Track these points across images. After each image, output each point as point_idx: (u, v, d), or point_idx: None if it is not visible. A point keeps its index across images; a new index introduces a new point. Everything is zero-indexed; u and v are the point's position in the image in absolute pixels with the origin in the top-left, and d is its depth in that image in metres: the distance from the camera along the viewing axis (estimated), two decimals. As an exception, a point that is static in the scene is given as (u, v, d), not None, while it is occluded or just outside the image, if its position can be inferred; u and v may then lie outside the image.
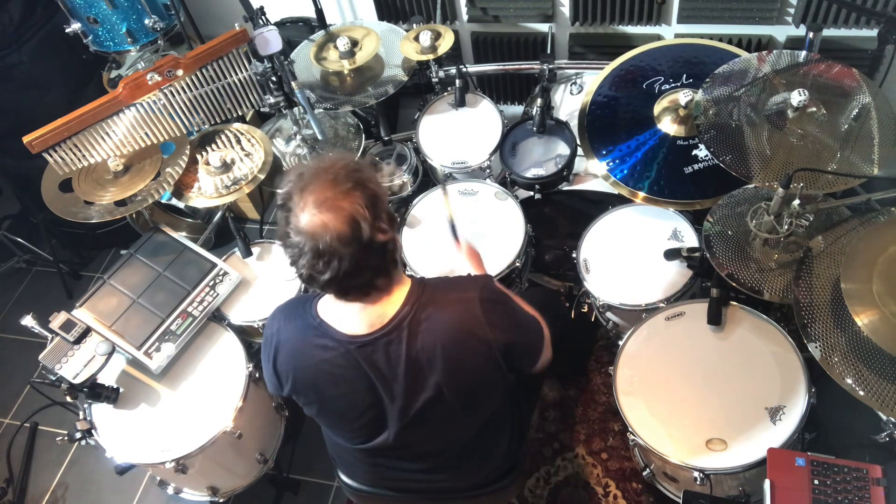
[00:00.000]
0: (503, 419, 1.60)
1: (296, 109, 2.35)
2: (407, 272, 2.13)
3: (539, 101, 2.27)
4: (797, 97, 1.76)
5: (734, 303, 1.85)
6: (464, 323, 1.33)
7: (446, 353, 1.32)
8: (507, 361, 1.39)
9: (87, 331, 1.93)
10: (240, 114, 2.26)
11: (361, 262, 1.23)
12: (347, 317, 1.33)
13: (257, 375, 2.08)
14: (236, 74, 2.18)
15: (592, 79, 2.31)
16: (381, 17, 2.72)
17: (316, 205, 1.19)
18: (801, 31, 2.33)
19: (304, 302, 1.41)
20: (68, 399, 1.91)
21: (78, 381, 1.86)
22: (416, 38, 2.40)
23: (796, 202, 1.67)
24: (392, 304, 1.33)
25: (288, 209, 1.22)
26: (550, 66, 2.33)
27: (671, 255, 1.98)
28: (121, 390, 1.98)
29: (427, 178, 2.57)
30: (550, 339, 1.54)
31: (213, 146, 2.32)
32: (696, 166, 2.04)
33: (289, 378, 1.41)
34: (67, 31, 2.41)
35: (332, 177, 1.21)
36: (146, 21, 2.41)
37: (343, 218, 1.18)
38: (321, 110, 2.43)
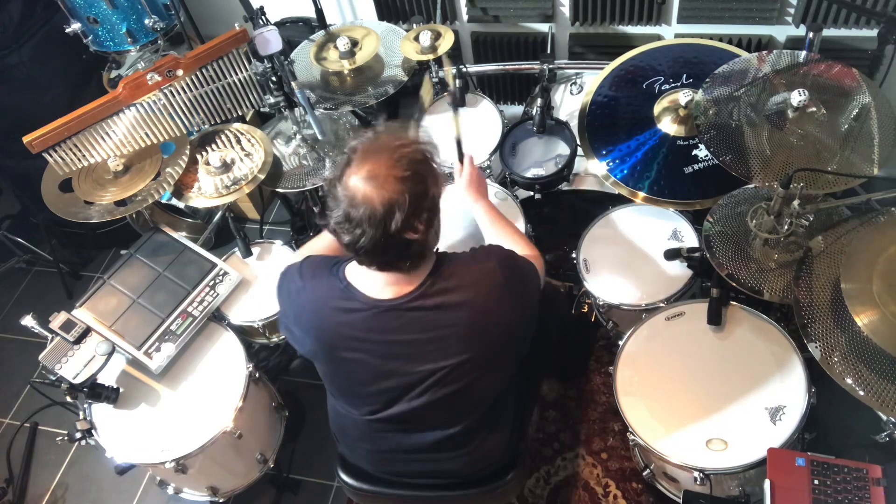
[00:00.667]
0: (506, 408, 1.60)
1: (297, 111, 2.35)
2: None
3: (539, 101, 2.27)
4: (797, 97, 1.76)
5: (734, 303, 1.85)
6: (487, 292, 1.37)
7: (469, 322, 1.35)
8: (529, 324, 1.46)
9: (87, 331, 1.93)
10: (240, 114, 2.26)
11: (380, 246, 1.26)
12: (373, 282, 1.37)
13: (257, 375, 2.09)
14: (236, 74, 2.18)
15: (592, 79, 2.31)
16: (381, 17, 2.72)
17: (367, 175, 1.22)
18: (801, 31, 2.33)
19: (332, 264, 1.45)
20: (68, 399, 1.91)
21: (78, 381, 1.86)
22: (416, 38, 2.40)
23: (796, 202, 1.67)
24: (416, 274, 1.36)
25: (347, 162, 1.26)
26: (550, 66, 2.33)
27: (671, 255, 1.98)
28: (121, 390, 1.98)
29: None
30: (543, 268, 1.61)
31: (213, 146, 2.32)
32: (696, 166, 2.03)
33: (310, 336, 1.44)
34: (67, 31, 2.40)
35: (397, 157, 1.24)
36: (146, 21, 2.41)
37: (382, 200, 1.21)
38: (321, 110, 2.43)
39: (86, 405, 1.98)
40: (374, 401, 1.46)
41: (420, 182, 1.26)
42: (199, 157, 2.28)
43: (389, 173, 1.22)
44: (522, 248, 1.61)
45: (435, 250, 1.43)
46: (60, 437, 1.96)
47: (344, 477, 1.67)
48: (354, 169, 1.24)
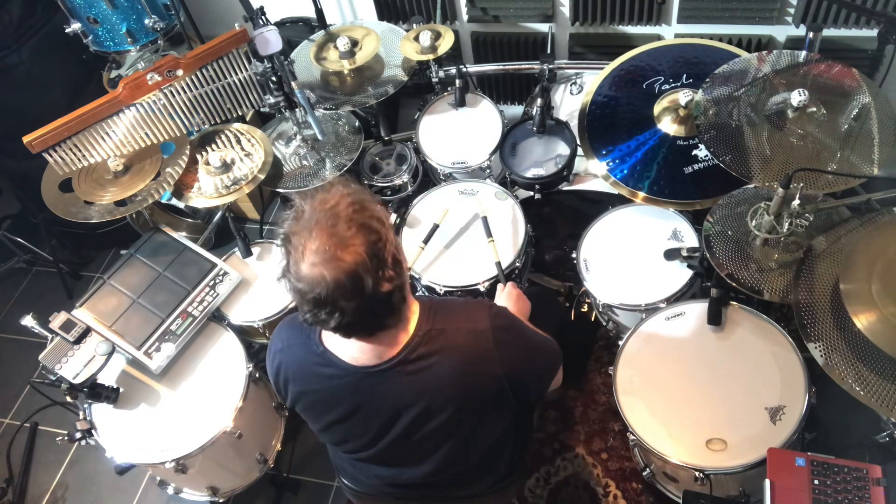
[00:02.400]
0: (507, 434, 1.59)
1: (297, 111, 2.35)
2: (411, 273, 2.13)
3: (539, 101, 2.27)
4: (797, 97, 1.76)
5: (734, 303, 1.85)
6: (475, 357, 1.31)
7: (455, 387, 1.31)
8: (516, 392, 1.37)
9: (87, 331, 1.93)
10: (240, 114, 2.26)
11: (365, 312, 1.19)
12: (352, 348, 1.30)
13: (257, 375, 2.09)
14: (236, 74, 2.18)
15: (592, 79, 2.31)
16: (381, 17, 2.72)
17: (315, 253, 1.13)
18: (801, 31, 2.33)
19: (307, 328, 1.37)
20: (68, 399, 1.91)
21: (78, 381, 1.86)
22: (416, 38, 2.40)
23: (796, 202, 1.67)
24: (400, 335, 1.29)
25: (288, 252, 1.17)
26: (550, 66, 2.33)
27: (671, 255, 1.98)
28: (121, 390, 1.98)
29: (427, 178, 2.57)
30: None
31: (213, 146, 2.32)
32: (696, 166, 2.03)
33: (289, 394, 1.43)
34: (67, 31, 2.40)
35: (333, 221, 1.14)
36: (146, 21, 2.41)
37: (343, 271, 1.12)
38: (321, 110, 2.43)
39: (86, 405, 1.98)
40: (359, 446, 1.45)
41: (369, 231, 1.16)
42: (199, 157, 2.28)
43: (336, 241, 1.13)
44: None
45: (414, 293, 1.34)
46: (60, 437, 1.96)
47: (344, 479, 1.67)
48: (298, 255, 1.14)
